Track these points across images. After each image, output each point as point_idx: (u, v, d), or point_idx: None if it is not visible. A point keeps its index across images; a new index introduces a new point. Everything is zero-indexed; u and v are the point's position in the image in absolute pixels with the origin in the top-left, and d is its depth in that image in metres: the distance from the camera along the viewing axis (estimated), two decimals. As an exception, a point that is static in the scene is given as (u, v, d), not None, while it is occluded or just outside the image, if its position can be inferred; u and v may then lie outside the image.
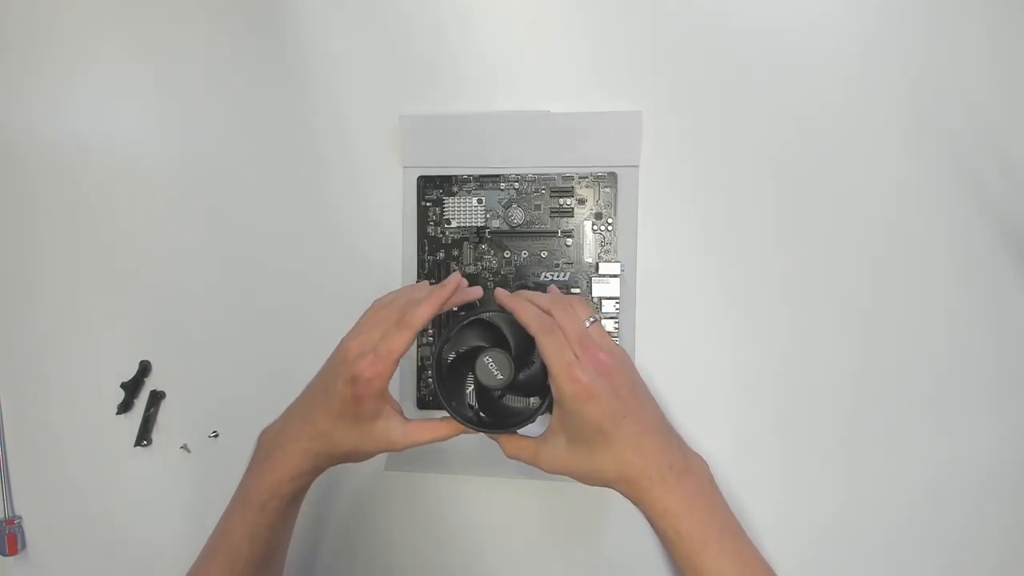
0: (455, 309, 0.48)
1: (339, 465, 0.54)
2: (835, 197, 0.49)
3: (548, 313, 0.40)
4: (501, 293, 0.42)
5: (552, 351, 0.38)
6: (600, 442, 0.38)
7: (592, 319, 0.41)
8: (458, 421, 0.41)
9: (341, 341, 0.42)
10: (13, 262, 0.58)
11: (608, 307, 0.50)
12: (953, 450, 0.47)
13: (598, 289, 0.50)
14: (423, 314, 0.40)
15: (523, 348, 0.41)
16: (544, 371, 0.39)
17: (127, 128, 0.57)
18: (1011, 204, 0.47)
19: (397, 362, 0.40)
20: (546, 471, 0.40)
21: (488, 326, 0.42)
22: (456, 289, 0.42)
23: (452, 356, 0.42)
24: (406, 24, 0.53)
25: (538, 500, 0.51)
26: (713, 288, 0.50)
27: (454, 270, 0.52)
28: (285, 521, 0.44)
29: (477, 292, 0.45)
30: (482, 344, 0.42)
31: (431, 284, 0.44)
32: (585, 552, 0.51)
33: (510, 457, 0.42)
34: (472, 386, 0.43)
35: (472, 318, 0.42)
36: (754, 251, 0.49)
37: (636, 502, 0.39)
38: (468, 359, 0.41)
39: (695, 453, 0.42)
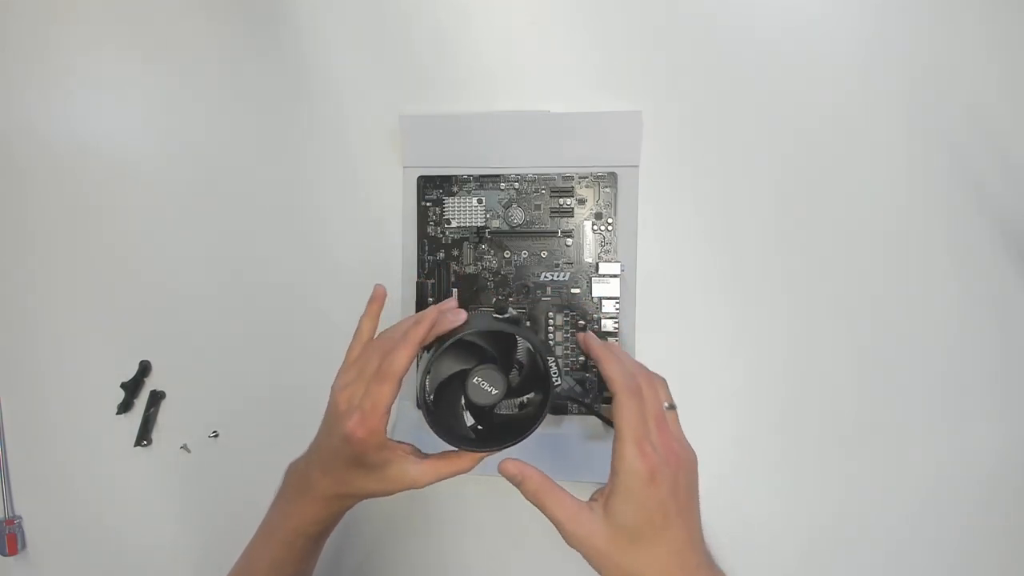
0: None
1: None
2: (835, 196, 0.49)
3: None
4: (589, 338, 0.42)
5: (630, 416, 0.36)
6: (647, 537, 0.34)
7: (671, 405, 0.39)
8: (471, 451, 0.40)
9: (332, 386, 0.41)
10: (13, 262, 0.58)
11: (608, 307, 0.50)
12: (954, 450, 0.47)
13: (598, 289, 0.50)
14: (401, 361, 0.37)
15: (503, 355, 0.40)
16: (534, 367, 0.39)
17: (127, 129, 0.57)
18: (1011, 204, 0.47)
19: (387, 414, 0.38)
20: (567, 537, 0.36)
21: (461, 346, 0.40)
22: (433, 323, 0.39)
23: (436, 386, 0.40)
24: (406, 24, 0.53)
25: (538, 500, 0.51)
26: (713, 288, 0.50)
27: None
28: (311, 555, 0.45)
29: (461, 317, 0.41)
30: (463, 367, 0.40)
31: (418, 312, 0.43)
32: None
33: (529, 499, 0.38)
34: (466, 408, 0.41)
35: (445, 347, 0.39)
36: (754, 251, 0.49)
37: None
38: (455, 382, 0.40)
39: (721, 572, 0.37)
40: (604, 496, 0.36)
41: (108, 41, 0.57)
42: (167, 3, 0.56)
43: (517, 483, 0.38)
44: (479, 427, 0.41)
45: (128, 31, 0.56)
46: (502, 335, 0.40)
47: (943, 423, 0.48)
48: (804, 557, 0.48)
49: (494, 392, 0.39)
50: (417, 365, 0.49)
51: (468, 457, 0.40)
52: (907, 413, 0.48)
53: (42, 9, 0.57)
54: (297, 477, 0.43)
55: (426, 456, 0.41)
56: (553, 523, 0.36)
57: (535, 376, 0.41)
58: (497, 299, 0.50)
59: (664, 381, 0.40)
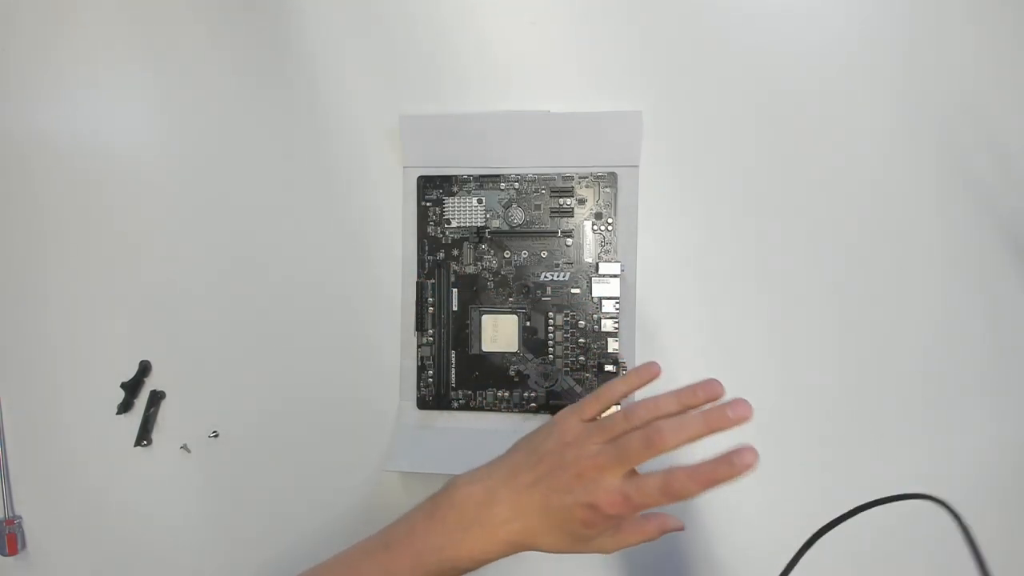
0: None
1: (338, 464, 0.54)
2: (835, 196, 0.49)
3: None
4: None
5: None
6: None
7: None
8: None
9: (570, 429, 0.37)
10: (13, 262, 0.58)
11: (608, 307, 0.50)
12: (954, 450, 0.48)
13: (598, 289, 0.50)
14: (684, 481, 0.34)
15: None
16: None
17: (127, 129, 0.57)
18: (1010, 203, 0.47)
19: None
20: None
21: None
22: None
23: None
24: (406, 24, 0.53)
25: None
26: (713, 288, 0.50)
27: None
28: None
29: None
30: None
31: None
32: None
33: None
34: None
35: None
36: (755, 250, 0.49)
37: None
38: None
39: None
40: None
41: (109, 43, 0.57)
42: (169, 5, 0.56)
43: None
44: None
45: (130, 32, 0.56)
46: None
47: (945, 423, 0.48)
48: (813, 555, 0.48)
49: None
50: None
51: (659, 524, 0.37)
52: (908, 413, 0.48)
53: (46, 12, 0.57)
54: (473, 506, 0.37)
55: (620, 527, 0.37)
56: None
57: None
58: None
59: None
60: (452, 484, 0.39)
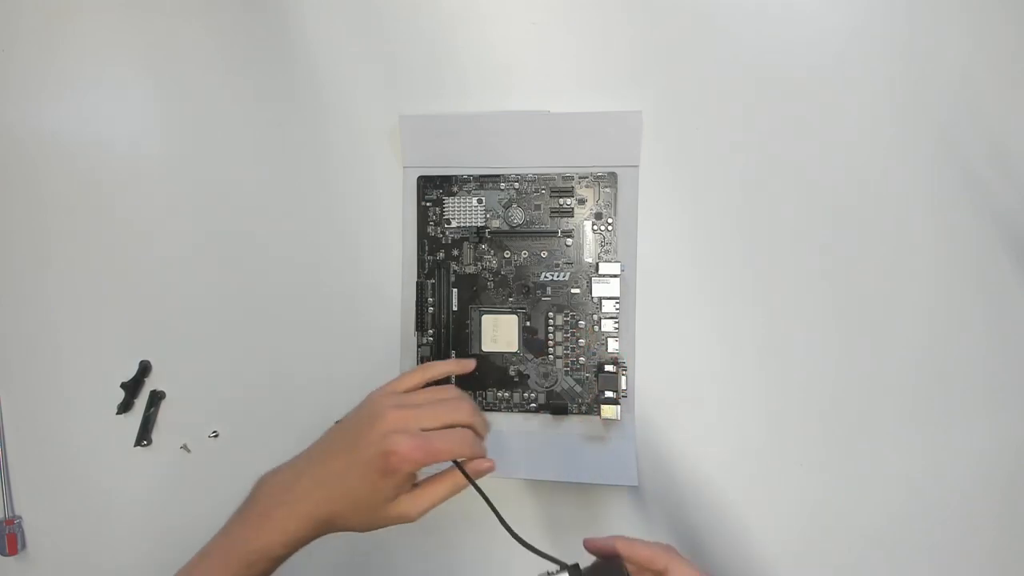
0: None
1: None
2: (835, 196, 0.49)
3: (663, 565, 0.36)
4: (592, 544, 0.39)
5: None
6: None
7: None
8: None
9: (376, 399, 0.41)
10: (13, 262, 0.58)
11: (608, 307, 0.50)
12: (952, 449, 0.48)
13: (598, 289, 0.50)
14: (481, 447, 0.41)
15: None
16: None
17: (127, 129, 0.57)
18: (1009, 202, 0.47)
19: (436, 461, 0.38)
20: None
21: None
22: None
23: None
24: (406, 24, 0.53)
25: (538, 499, 0.51)
26: (713, 288, 0.50)
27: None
28: None
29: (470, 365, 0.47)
30: None
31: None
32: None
33: None
34: None
35: None
36: (754, 251, 0.49)
37: None
38: None
39: None
40: None
41: (109, 43, 0.57)
42: (169, 6, 0.56)
43: None
44: None
45: (130, 31, 0.56)
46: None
47: (947, 424, 0.48)
48: (805, 554, 0.48)
49: None
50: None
51: (452, 478, 0.40)
52: (908, 413, 0.48)
53: (48, 12, 0.57)
54: (278, 488, 0.40)
55: (415, 487, 0.40)
56: None
57: None
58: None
59: (693, 565, 0.37)
60: (261, 479, 0.41)
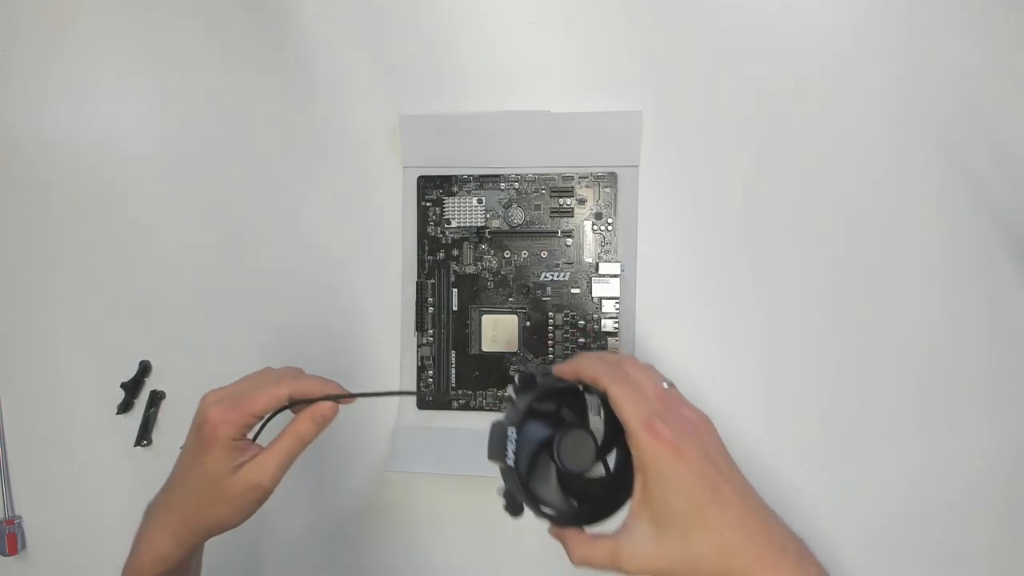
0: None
1: (338, 464, 0.54)
2: (835, 197, 0.49)
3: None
4: (559, 368, 0.35)
5: (629, 404, 0.31)
6: (696, 520, 0.29)
7: (669, 383, 0.34)
8: (573, 526, 0.33)
9: (200, 401, 0.39)
10: (13, 262, 0.58)
11: (608, 307, 0.50)
12: (952, 451, 0.48)
13: (598, 289, 0.50)
14: (307, 385, 0.38)
15: (581, 417, 0.35)
16: (627, 462, 0.32)
17: (127, 130, 0.57)
18: (1010, 202, 0.47)
19: (256, 418, 0.37)
20: (631, 573, 0.31)
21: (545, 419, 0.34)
22: (305, 394, 0.39)
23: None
24: (406, 24, 0.53)
25: (538, 500, 0.51)
26: (713, 288, 0.50)
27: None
28: None
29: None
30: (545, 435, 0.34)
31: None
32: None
33: (578, 564, 0.32)
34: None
35: (532, 404, 0.33)
36: (754, 251, 0.49)
37: None
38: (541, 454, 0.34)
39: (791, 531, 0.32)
40: (640, 506, 0.31)
41: (110, 44, 0.57)
42: (170, 6, 0.56)
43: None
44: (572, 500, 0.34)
45: (130, 31, 0.56)
46: (566, 394, 0.35)
47: (948, 424, 0.48)
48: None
49: (584, 459, 0.33)
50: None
51: (296, 428, 0.38)
52: (909, 413, 0.48)
53: (49, 13, 0.57)
54: (147, 508, 0.40)
55: (263, 452, 0.38)
56: (610, 566, 0.31)
57: (611, 432, 0.34)
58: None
59: (652, 366, 0.35)
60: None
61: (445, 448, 0.51)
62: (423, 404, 0.52)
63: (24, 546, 0.58)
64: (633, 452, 0.31)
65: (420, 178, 0.52)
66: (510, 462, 0.33)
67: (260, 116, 0.55)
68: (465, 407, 0.52)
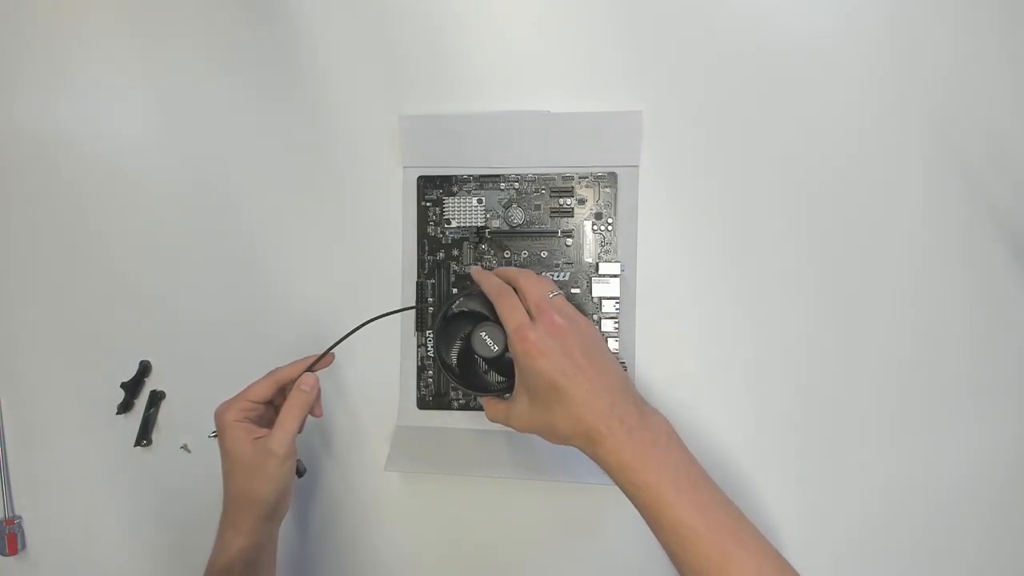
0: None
1: (338, 464, 0.54)
2: (835, 196, 0.49)
3: (513, 283, 0.44)
4: (475, 270, 0.47)
5: (506, 312, 0.41)
6: (555, 399, 0.39)
7: (555, 293, 0.43)
8: (453, 379, 0.46)
9: (217, 411, 0.47)
10: (12, 262, 0.58)
11: (608, 307, 0.50)
12: (945, 449, 0.48)
13: (598, 289, 0.50)
14: (288, 369, 0.47)
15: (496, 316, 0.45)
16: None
17: (127, 130, 0.57)
18: (1003, 200, 0.47)
19: (252, 403, 0.46)
20: (518, 431, 0.43)
21: (473, 316, 0.46)
22: (290, 380, 0.48)
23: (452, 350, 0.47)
24: (406, 24, 0.53)
25: (538, 500, 0.51)
26: (713, 288, 0.50)
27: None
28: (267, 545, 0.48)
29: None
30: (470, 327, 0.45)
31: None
32: (585, 551, 0.51)
33: (491, 419, 0.45)
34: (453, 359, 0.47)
35: (458, 304, 0.46)
36: (754, 251, 0.49)
37: (592, 457, 0.40)
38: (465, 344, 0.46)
39: (653, 410, 0.41)
40: (519, 384, 0.42)
41: (110, 44, 0.56)
42: (170, 5, 0.55)
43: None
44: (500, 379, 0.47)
45: (129, 35, 0.56)
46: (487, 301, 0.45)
47: (947, 424, 0.48)
48: (794, 556, 0.48)
49: (495, 348, 0.44)
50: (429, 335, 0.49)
51: (297, 399, 0.46)
52: (909, 413, 0.48)
53: (49, 14, 0.57)
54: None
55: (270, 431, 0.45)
56: (505, 423, 0.44)
57: None
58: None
59: (546, 278, 0.45)
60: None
61: (445, 448, 0.51)
62: (423, 404, 0.52)
63: (24, 546, 0.58)
64: (510, 349, 0.42)
65: (420, 178, 0.52)
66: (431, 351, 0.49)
67: (260, 116, 0.55)
68: (465, 407, 0.52)
